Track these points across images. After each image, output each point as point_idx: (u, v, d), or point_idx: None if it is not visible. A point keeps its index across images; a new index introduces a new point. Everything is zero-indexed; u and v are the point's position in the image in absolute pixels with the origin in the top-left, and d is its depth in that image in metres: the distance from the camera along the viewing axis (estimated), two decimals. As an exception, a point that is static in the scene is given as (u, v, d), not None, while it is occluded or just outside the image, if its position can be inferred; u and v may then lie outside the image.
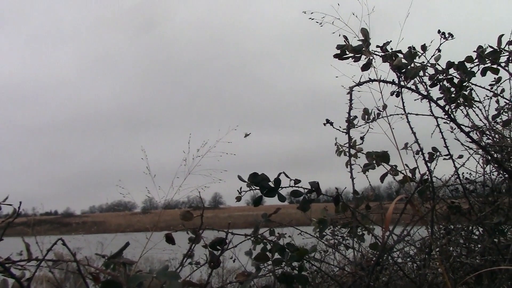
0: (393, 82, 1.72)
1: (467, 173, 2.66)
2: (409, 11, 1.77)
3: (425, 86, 1.80)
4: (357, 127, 2.20)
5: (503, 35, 2.23)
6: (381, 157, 2.12)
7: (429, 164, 2.19)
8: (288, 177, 1.59)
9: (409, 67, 1.70)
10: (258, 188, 1.56)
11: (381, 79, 1.71)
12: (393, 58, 1.76)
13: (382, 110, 2.22)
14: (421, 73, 1.82)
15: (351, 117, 2.01)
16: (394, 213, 1.63)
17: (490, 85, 2.52)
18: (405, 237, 1.94)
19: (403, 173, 2.23)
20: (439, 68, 2.13)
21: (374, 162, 1.98)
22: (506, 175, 2.01)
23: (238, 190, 1.67)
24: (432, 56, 2.09)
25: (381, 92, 1.74)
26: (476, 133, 2.29)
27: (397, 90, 1.78)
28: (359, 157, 2.30)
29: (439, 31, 1.96)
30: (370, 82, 1.71)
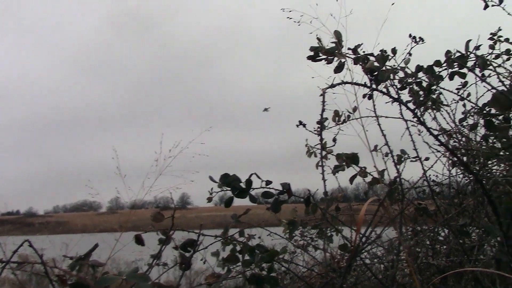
0: (365, 85, 1.75)
1: (434, 175, 2.72)
2: (386, 17, 1.80)
3: (395, 89, 1.83)
4: (327, 129, 2.23)
5: (470, 40, 2.29)
6: (351, 159, 2.15)
7: (398, 166, 2.23)
8: (260, 178, 1.59)
9: (381, 70, 1.73)
10: (229, 189, 1.56)
11: (354, 81, 1.73)
12: (365, 61, 1.79)
13: (353, 112, 2.25)
14: (392, 77, 1.85)
15: (323, 119, 2.04)
16: (366, 214, 1.65)
17: (457, 89, 2.58)
18: (377, 239, 1.97)
19: (372, 175, 2.26)
20: (409, 72, 2.17)
21: (344, 163, 2.01)
22: (472, 177, 2.06)
23: (209, 191, 1.67)
24: (402, 60, 2.13)
25: (355, 94, 1.76)
26: (443, 136, 2.34)
27: (369, 93, 1.81)
28: (329, 159, 2.32)
29: (410, 35, 2.00)
30: (343, 85, 1.73)
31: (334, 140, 2.00)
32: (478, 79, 2.48)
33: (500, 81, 2.19)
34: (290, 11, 1.75)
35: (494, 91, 2.35)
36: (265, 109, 2.30)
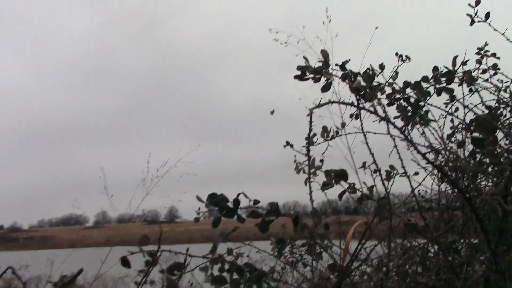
0: (352, 104, 1.77)
1: (423, 190, 2.74)
2: (371, 40, 1.83)
3: (383, 108, 1.85)
4: (316, 145, 2.24)
5: (457, 56, 2.32)
6: (339, 176, 2.16)
7: (386, 183, 2.25)
8: (247, 197, 1.59)
9: (367, 89, 1.75)
10: (217, 208, 1.55)
11: (341, 100, 1.75)
12: (352, 79, 1.80)
13: (341, 128, 2.26)
14: (379, 95, 1.87)
15: (311, 135, 2.05)
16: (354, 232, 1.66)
17: (445, 103, 2.61)
18: (365, 261, 1.97)
19: (361, 191, 2.27)
20: (397, 88, 2.20)
21: (333, 181, 2.01)
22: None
23: (196, 211, 1.67)
24: (390, 77, 2.15)
25: (341, 114, 1.78)
26: (432, 153, 2.36)
27: (356, 112, 1.82)
28: (318, 175, 2.33)
29: (396, 54, 2.02)
30: (330, 104, 1.74)
31: (322, 161, 2.00)
32: (466, 94, 2.52)
33: (482, 102, 2.22)
34: (277, 32, 1.78)
35: (483, 106, 2.39)
36: (271, 112, 2.32)
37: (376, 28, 1.90)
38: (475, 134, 1.44)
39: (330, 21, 1.78)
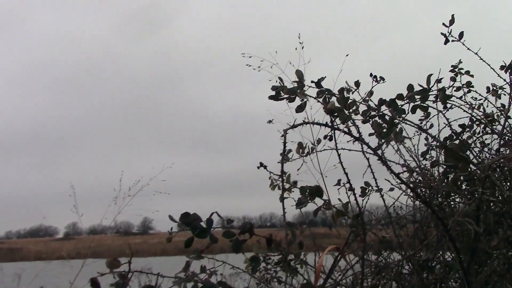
0: (326, 125, 1.79)
1: (398, 206, 2.78)
2: (341, 68, 1.87)
3: (357, 128, 1.88)
4: (291, 161, 2.26)
5: (431, 74, 2.37)
6: (314, 193, 2.17)
7: (360, 200, 2.28)
8: (220, 217, 1.60)
9: (341, 111, 1.78)
10: (189, 228, 1.56)
11: (315, 121, 1.77)
12: (327, 99, 1.83)
13: (317, 145, 2.29)
14: (353, 115, 1.90)
15: (286, 151, 2.07)
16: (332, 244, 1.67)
17: (419, 120, 2.67)
18: (338, 284, 1.99)
19: (335, 208, 2.30)
20: (372, 105, 2.23)
21: (308, 198, 2.03)
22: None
23: (168, 231, 1.66)
24: (365, 94, 2.19)
25: (312, 135, 1.81)
26: (406, 168, 2.40)
27: (330, 133, 1.85)
28: (293, 191, 2.34)
29: (371, 74, 2.06)
30: (304, 125, 1.76)
31: (295, 182, 2.02)
32: (440, 111, 2.58)
33: (448, 125, 2.28)
34: (250, 57, 1.80)
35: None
36: (269, 121, 2.33)
37: (347, 55, 1.94)
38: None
39: (303, 47, 1.81)
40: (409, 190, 1.96)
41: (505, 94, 2.59)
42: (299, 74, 1.77)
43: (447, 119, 2.41)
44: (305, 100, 1.79)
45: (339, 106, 1.77)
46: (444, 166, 2.01)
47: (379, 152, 1.84)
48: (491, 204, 1.73)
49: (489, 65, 2.55)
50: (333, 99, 1.81)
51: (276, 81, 1.76)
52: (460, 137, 2.53)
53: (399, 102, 2.27)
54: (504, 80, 2.51)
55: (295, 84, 1.78)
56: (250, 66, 1.81)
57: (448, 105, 2.57)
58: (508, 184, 1.99)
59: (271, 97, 1.79)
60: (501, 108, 2.61)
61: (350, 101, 2.06)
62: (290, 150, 2.22)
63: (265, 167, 2.06)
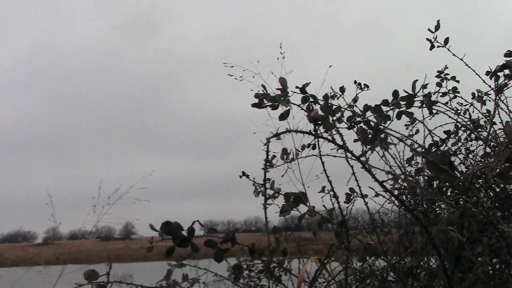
0: (309, 133, 1.81)
1: (383, 212, 2.81)
2: (325, 79, 1.89)
3: (341, 136, 1.90)
4: (276, 167, 2.27)
5: (417, 80, 2.40)
6: (298, 200, 2.19)
7: (345, 206, 2.30)
8: (202, 225, 1.60)
9: (325, 119, 1.79)
10: (170, 238, 1.56)
11: (299, 129, 1.78)
12: (311, 107, 1.85)
13: (301, 151, 2.31)
14: (337, 124, 1.92)
15: (270, 157, 2.08)
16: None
17: (405, 125, 2.70)
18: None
19: (320, 214, 2.31)
20: (357, 111, 2.26)
21: (291, 205, 2.04)
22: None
23: (149, 241, 1.66)
24: (352, 100, 2.21)
25: (293, 142, 1.82)
26: (391, 175, 2.43)
27: (313, 142, 1.87)
28: (277, 197, 2.36)
29: (355, 82, 2.08)
30: (287, 133, 1.78)
31: (279, 191, 2.03)
32: (426, 117, 2.61)
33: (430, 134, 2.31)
34: (232, 66, 1.81)
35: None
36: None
37: (330, 66, 1.96)
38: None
39: (284, 57, 1.82)
40: (393, 198, 1.98)
41: (490, 100, 2.62)
42: (283, 81, 1.79)
43: (429, 130, 2.43)
44: (288, 107, 1.80)
45: (323, 114, 1.79)
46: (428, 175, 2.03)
47: (363, 159, 1.86)
48: (475, 212, 1.76)
49: (474, 71, 2.59)
50: (317, 107, 1.83)
51: (258, 90, 1.78)
52: (445, 143, 2.57)
53: (384, 108, 2.29)
54: (489, 86, 2.54)
55: (279, 92, 1.79)
56: (232, 76, 1.82)
57: (434, 111, 2.60)
58: (492, 192, 2.03)
59: (254, 105, 1.80)
60: (487, 114, 2.64)
61: (334, 107, 2.08)
62: (274, 156, 2.23)
63: (247, 176, 2.07)
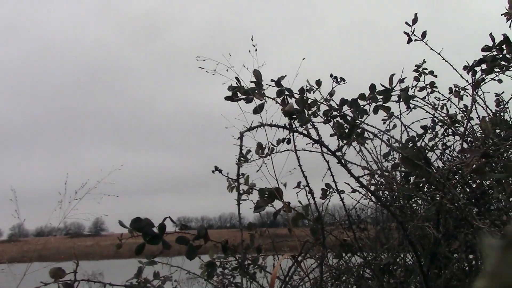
0: (284, 127, 1.81)
1: (360, 208, 2.84)
2: (298, 71, 1.90)
3: (316, 130, 1.90)
4: (250, 162, 2.27)
5: (394, 74, 2.42)
6: (273, 196, 2.19)
7: (321, 202, 2.32)
8: (174, 222, 1.59)
9: (300, 113, 1.80)
10: (140, 234, 1.55)
11: (273, 123, 1.79)
12: (286, 101, 1.85)
13: (276, 145, 2.31)
14: (313, 118, 1.93)
15: (245, 152, 2.08)
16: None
17: (382, 120, 2.72)
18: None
19: (296, 210, 2.32)
20: (333, 105, 2.27)
21: (265, 202, 2.05)
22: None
23: (118, 238, 1.65)
24: (328, 94, 2.22)
25: (266, 137, 1.82)
26: (367, 170, 2.45)
27: (288, 136, 1.87)
28: (251, 193, 2.36)
29: (331, 75, 2.09)
30: (261, 127, 1.78)
31: (252, 187, 2.04)
32: (403, 111, 2.64)
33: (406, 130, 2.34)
34: (204, 60, 1.80)
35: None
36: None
37: (304, 58, 1.97)
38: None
39: (256, 49, 1.82)
40: (369, 193, 2.00)
41: (467, 95, 2.66)
42: (257, 74, 1.79)
43: (404, 125, 2.46)
44: (263, 101, 1.80)
45: (298, 108, 1.79)
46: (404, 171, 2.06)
47: (339, 154, 1.87)
48: (451, 208, 1.79)
49: (451, 65, 2.62)
50: (292, 100, 1.83)
51: (235, 78, 1.77)
52: (422, 139, 2.60)
53: (361, 102, 2.31)
54: (467, 81, 2.58)
55: (253, 85, 1.79)
56: (203, 69, 1.81)
57: (411, 106, 2.63)
58: (468, 188, 2.06)
59: (227, 98, 1.80)
60: (464, 109, 2.68)
61: (310, 101, 2.09)
62: (249, 151, 2.23)
63: (220, 171, 2.07)
